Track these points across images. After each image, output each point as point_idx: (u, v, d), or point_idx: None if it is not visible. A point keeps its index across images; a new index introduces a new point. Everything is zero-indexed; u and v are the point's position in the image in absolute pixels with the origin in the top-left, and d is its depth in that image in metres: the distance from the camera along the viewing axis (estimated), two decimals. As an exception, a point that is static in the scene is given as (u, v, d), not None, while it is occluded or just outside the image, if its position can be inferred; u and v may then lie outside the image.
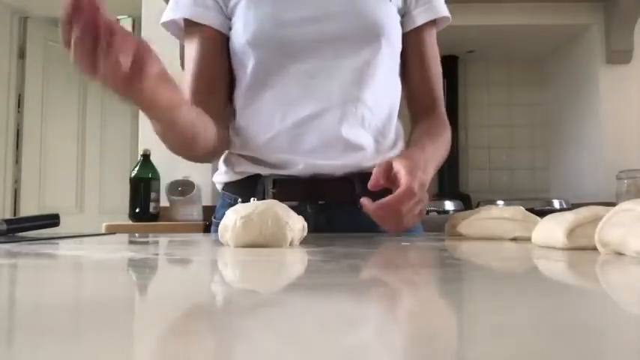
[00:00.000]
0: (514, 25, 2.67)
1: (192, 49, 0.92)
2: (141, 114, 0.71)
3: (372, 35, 0.89)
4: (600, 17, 2.66)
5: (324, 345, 0.17)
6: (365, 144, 0.90)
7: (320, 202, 0.90)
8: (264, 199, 0.83)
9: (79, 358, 0.15)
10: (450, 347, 0.17)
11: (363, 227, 0.87)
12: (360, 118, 0.90)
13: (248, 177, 0.92)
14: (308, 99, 0.88)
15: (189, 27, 0.92)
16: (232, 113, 0.96)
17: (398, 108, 0.98)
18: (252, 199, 0.68)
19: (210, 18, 0.91)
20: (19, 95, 3.29)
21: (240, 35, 0.90)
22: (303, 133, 0.88)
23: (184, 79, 0.92)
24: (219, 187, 0.99)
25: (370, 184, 0.78)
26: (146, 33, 2.51)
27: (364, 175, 0.87)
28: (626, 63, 2.64)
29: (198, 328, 0.21)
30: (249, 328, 0.20)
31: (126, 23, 3.95)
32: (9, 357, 0.15)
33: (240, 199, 0.88)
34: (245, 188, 0.92)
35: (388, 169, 0.78)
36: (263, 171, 0.90)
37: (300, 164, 0.88)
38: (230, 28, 0.92)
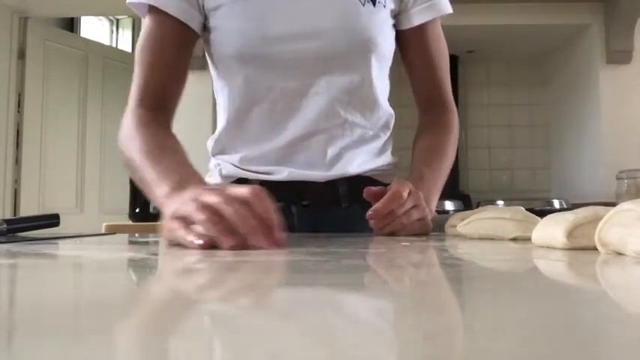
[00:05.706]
0: (514, 25, 2.68)
1: (152, 37, 0.86)
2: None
3: (363, 52, 0.87)
4: (600, 17, 2.66)
5: (324, 345, 0.17)
6: (352, 159, 0.90)
7: (303, 204, 0.90)
8: None
9: (79, 358, 0.15)
10: (450, 347, 0.17)
11: (346, 226, 0.87)
12: (349, 138, 0.90)
13: (235, 180, 0.92)
14: (296, 119, 0.87)
15: (155, 12, 0.85)
16: (222, 119, 0.94)
17: (393, 113, 0.98)
18: None
19: (179, 9, 0.84)
20: (19, 95, 3.30)
21: (224, 47, 0.86)
22: (290, 153, 0.88)
23: (138, 62, 0.86)
24: None
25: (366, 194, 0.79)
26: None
27: (349, 178, 0.88)
28: (626, 63, 2.65)
29: (199, 327, 0.21)
30: (251, 328, 0.20)
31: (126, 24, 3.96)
32: (9, 357, 0.15)
33: None
34: None
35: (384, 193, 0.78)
36: (249, 175, 0.90)
37: (285, 172, 0.88)
38: (205, 27, 0.88)
